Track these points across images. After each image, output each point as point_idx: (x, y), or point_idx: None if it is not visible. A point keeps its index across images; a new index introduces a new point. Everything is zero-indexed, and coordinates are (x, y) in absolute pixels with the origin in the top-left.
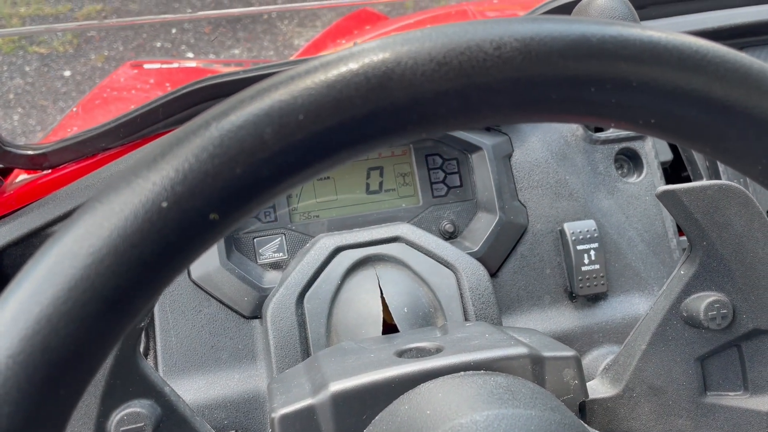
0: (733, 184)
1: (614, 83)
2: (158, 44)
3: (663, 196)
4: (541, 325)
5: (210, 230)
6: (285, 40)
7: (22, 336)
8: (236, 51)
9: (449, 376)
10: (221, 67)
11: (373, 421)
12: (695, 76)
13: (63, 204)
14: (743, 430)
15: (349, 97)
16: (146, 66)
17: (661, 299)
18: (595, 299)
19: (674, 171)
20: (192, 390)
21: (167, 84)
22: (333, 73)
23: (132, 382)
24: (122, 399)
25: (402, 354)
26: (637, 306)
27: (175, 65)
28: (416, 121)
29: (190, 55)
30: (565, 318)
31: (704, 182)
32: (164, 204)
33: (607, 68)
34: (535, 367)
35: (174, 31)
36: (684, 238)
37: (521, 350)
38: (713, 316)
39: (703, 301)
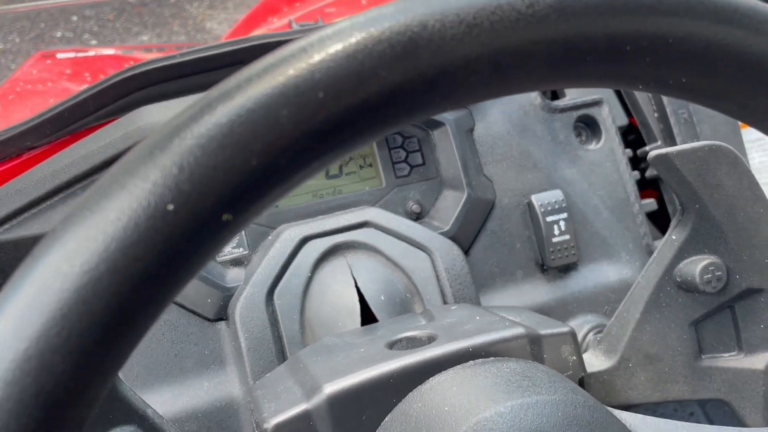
0: (722, 144)
1: (650, 40)
2: (58, 34)
3: (656, 160)
4: (516, 300)
5: (222, 233)
6: (196, 23)
7: (8, 379)
8: (144, 38)
9: (458, 367)
10: (142, 53)
11: (383, 423)
12: (731, 30)
13: None
14: (740, 390)
15: (373, 67)
16: (59, 56)
17: (652, 266)
18: (566, 270)
19: (623, 135)
20: (158, 403)
21: (86, 74)
22: (352, 42)
23: (112, 408)
24: (103, 427)
25: (393, 346)
26: (607, 273)
27: (92, 53)
28: (446, 91)
29: (95, 43)
30: (538, 291)
31: (695, 144)
32: (170, 207)
33: (645, 24)
34: (533, 347)
35: (75, 18)
36: (646, 201)
37: (518, 330)
38: (708, 279)
39: (697, 265)
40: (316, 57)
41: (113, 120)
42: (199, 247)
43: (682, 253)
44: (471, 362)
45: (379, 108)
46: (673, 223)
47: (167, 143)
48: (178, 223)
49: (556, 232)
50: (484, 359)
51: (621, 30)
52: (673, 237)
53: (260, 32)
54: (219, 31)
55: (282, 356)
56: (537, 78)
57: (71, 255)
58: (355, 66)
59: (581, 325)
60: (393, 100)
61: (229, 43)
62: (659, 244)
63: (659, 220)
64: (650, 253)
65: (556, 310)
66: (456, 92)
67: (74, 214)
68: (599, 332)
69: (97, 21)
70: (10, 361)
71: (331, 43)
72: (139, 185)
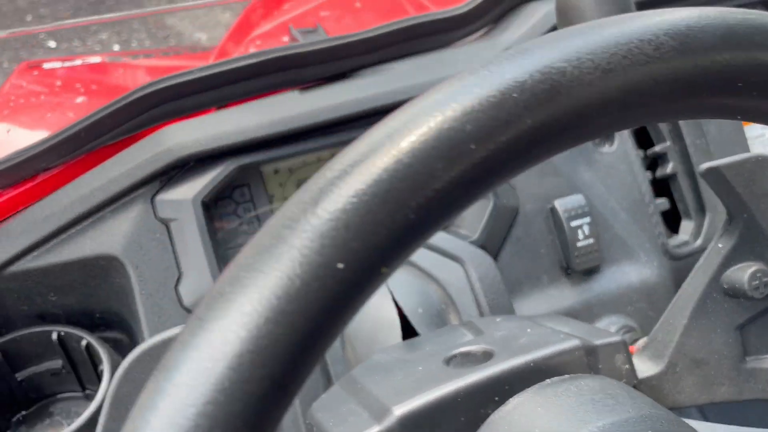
0: (767, 154)
1: (761, 74)
2: None
3: (707, 174)
4: (544, 305)
5: (378, 284)
6: (156, 20)
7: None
8: (103, 35)
9: (537, 386)
10: (130, 60)
11: None
12: None
13: (21, 239)
14: None
15: (519, 115)
16: (46, 66)
17: (698, 273)
18: (589, 273)
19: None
20: None
21: (78, 84)
22: (497, 91)
23: None
24: None
25: (449, 362)
26: (628, 274)
27: (79, 62)
28: (579, 131)
29: (52, 43)
30: (564, 295)
31: (742, 156)
32: (340, 266)
33: (756, 60)
34: (589, 358)
35: (30, 18)
36: (659, 201)
37: (575, 342)
38: (756, 285)
39: (745, 272)
40: (466, 107)
41: (129, 137)
42: (360, 300)
43: (728, 261)
44: (548, 381)
45: (520, 152)
46: (719, 232)
47: (328, 202)
48: (346, 280)
49: (581, 236)
50: (560, 377)
51: (734, 67)
52: (720, 245)
53: (255, 36)
54: (180, 28)
55: (326, 374)
56: (656, 113)
57: (247, 319)
58: (503, 116)
59: (607, 326)
60: (533, 143)
61: (246, 56)
62: (672, 241)
63: (669, 219)
64: (666, 252)
65: (582, 313)
66: (587, 130)
67: (241, 276)
68: (626, 333)
69: (54, 20)
70: (194, 428)
71: (478, 93)
72: (308, 245)
